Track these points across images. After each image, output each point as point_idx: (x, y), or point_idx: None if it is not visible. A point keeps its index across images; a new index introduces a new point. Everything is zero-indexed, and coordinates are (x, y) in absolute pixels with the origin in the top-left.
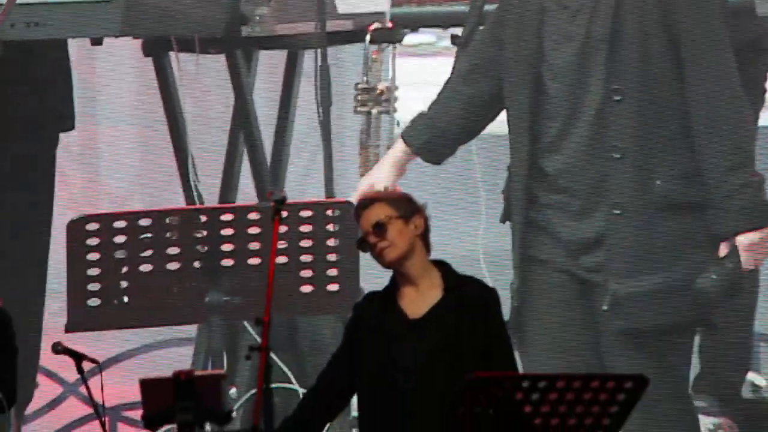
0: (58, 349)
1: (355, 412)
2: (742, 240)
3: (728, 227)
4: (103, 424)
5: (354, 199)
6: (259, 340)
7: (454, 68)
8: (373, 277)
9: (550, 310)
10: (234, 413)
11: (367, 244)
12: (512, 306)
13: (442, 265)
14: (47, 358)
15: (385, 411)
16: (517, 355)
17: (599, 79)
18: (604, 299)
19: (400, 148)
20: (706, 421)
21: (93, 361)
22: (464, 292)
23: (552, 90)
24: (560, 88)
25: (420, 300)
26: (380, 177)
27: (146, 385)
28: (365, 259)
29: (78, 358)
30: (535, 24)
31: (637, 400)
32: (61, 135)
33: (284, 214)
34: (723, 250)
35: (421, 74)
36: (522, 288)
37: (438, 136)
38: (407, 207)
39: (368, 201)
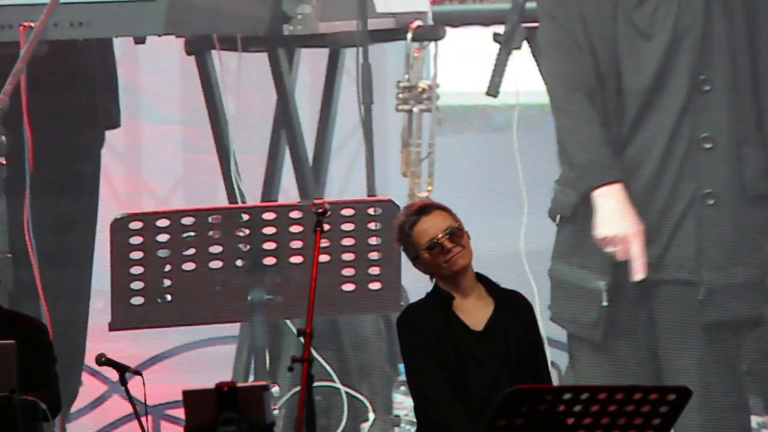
0: (102, 360)
1: (397, 410)
2: None
3: None
4: (141, 425)
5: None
6: (300, 340)
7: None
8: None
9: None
10: (276, 412)
11: (438, 247)
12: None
13: (482, 278)
14: (91, 357)
15: (449, 419)
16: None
17: (685, 69)
18: (699, 290)
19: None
20: (751, 420)
21: (136, 372)
22: (512, 303)
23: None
24: (642, 80)
25: (477, 311)
26: (633, 223)
27: (189, 396)
28: (406, 257)
29: (121, 369)
30: (609, 23)
31: (680, 412)
32: (106, 134)
33: (326, 227)
34: None
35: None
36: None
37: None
38: (459, 220)
39: (430, 207)
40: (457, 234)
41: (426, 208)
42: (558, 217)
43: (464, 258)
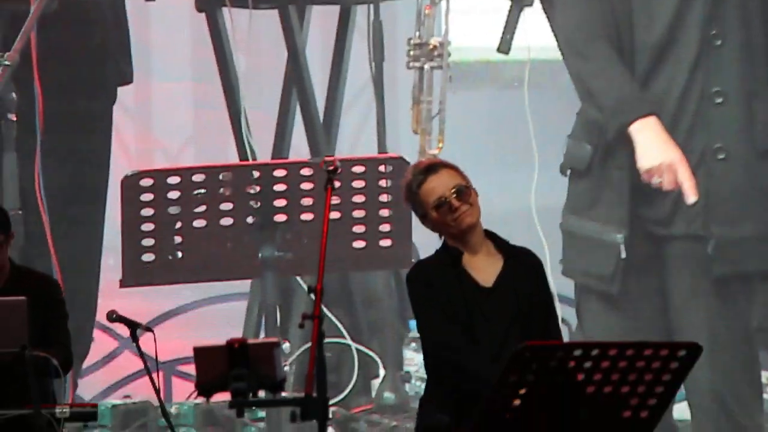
0: (113, 317)
1: (407, 366)
2: None
3: None
4: (152, 381)
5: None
6: (311, 297)
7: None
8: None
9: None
10: (286, 368)
11: (446, 205)
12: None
13: (491, 235)
14: (103, 314)
15: (459, 375)
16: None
17: (696, 24)
18: (708, 245)
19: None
20: (762, 375)
21: (147, 329)
22: (522, 260)
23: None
24: (654, 34)
25: (486, 268)
26: (675, 150)
27: (200, 352)
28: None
29: (132, 326)
30: None
31: (690, 368)
32: (117, 91)
33: (337, 184)
34: None
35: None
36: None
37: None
38: (467, 178)
39: (437, 165)
40: (464, 192)
41: (433, 167)
42: (569, 171)
43: (472, 216)
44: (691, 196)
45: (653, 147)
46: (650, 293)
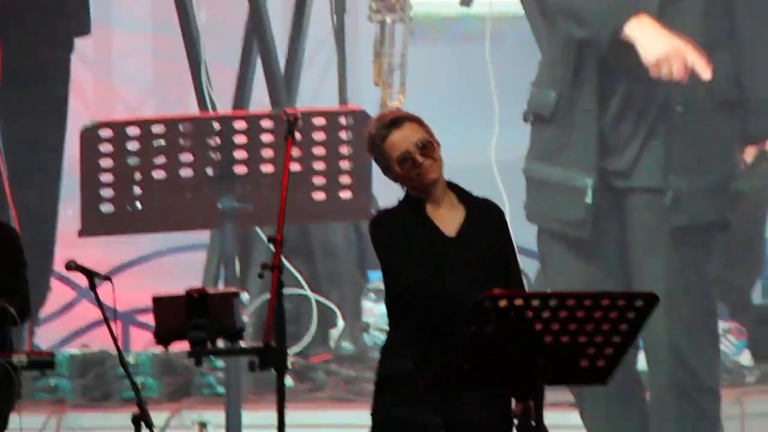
0: (72, 266)
1: (366, 317)
2: None
3: (762, 130)
4: (111, 331)
5: None
6: (270, 248)
7: None
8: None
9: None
10: (245, 318)
11: (410, 161)
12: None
13: (454, 186)
14: (61, 264)
15: (422, 321)
16: None
17: None
18: (665, 195)
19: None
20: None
21: (105, 278)
22: (484, 211)
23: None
24: None
25: (448, 218)
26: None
27: (159, 302)
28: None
29: (91, 275)
30: None
31: (647, 318)
32: (76, 41)
33: (298, 136)
34: (750, 154)
35: None
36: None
37: None
38: (431, 131)
39: (402, 119)
40: (428, 148)
41: (398, 121)
42: (532, 118)
43: (435, 171)
44: (705, 74)
45: (656, 38)
46: (613, 242)
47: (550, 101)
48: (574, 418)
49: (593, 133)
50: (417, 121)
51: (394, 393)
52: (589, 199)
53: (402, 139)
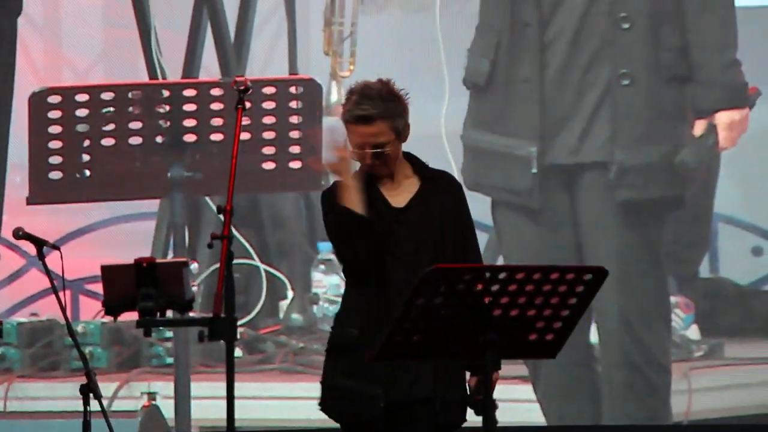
0: (20, 234)
1: (315, 288)
2: (723, 118)
3: (711, 104)
4: (59, 300)
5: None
6: (220, 218)
7: None
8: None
9: None
10: (195, 288)
11: (362, 155)
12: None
13: (410, 157)
14: (8, 231)
15: (370, 293)
16: None
17: None
18: (610, 169)
19: None
20: None
21: (54, 247)
22: (439, 183)
23: None
24: None
25: (399, 189)
26: None
27: (107, 271)
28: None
29: (39, 243)
30: None
31: (595, 292)
32: (24, 3)
33: (248, 105)
34: (699, 127)
35: None
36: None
37: None
38: (402, 119)
39: (371, 118)
40: (382, 156)
41: (368, 118)
42: (473, 86)
43: (386, 169)
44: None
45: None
46: (565, 214)
47: (484, 69)
48: (526, 391)
49: (535, 102)
50: (389, 119)
51: (339, 361)
52: (534, 168)
53: (363, 135)
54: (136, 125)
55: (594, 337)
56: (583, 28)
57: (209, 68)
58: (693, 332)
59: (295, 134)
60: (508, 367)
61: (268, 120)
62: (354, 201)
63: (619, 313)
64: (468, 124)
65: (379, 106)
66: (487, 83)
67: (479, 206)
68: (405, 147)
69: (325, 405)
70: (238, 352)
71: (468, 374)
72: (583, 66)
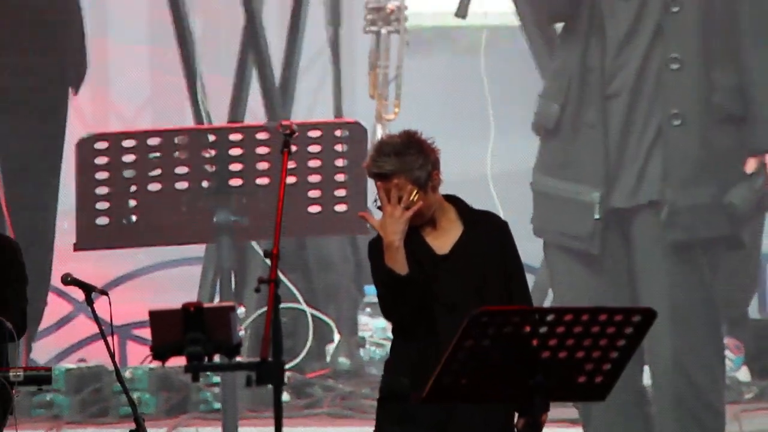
0: (68, 280)
1: (362, 332)
2: None
3: (764, 142)
4: (107, 345)
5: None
6: (267, 261)
7: None
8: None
9: None
10: (242, 333)
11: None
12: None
13: (454, 200)
14: (57, 277)
15: (419, 340)
16: None
17: None
18: (662, 210)
19: None
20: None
21: (102, 292)
22: (483, 226)
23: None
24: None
25: (443, 236)
26: None
27: (155, 316)
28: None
29: (88, 289)
30: None
31: (645, 334)
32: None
33: (293, 148)
34: (751, 165)
35: None
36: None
37: None
38: (422, 170)
39: (388, 175)
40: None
41: (384, 175)
42: (542, 130)
43: (419, 219)
44: None
45: None
46: (619, 257)
47: (553, 113)
48: None
49: (600, 148)
50: (405, 175)
51: (391, 410)
52: (597, 214)
53: (386, 190)
54: (182, 170)
55: (647, 378)
56: (642, 71)
57: (255, 112)
58: (743, 374)
59: (340, 177)
60: (557, 410)
61: (314, 163)
62: (397, 260)
63: (672, 354)
64: (537, 170)
65: (394, 162)
66: (556, 127)
67: (528, 247)
68: (450, 189)
69: None
70: (285, 396)
71: (516, 415)
72: (643, 110)
